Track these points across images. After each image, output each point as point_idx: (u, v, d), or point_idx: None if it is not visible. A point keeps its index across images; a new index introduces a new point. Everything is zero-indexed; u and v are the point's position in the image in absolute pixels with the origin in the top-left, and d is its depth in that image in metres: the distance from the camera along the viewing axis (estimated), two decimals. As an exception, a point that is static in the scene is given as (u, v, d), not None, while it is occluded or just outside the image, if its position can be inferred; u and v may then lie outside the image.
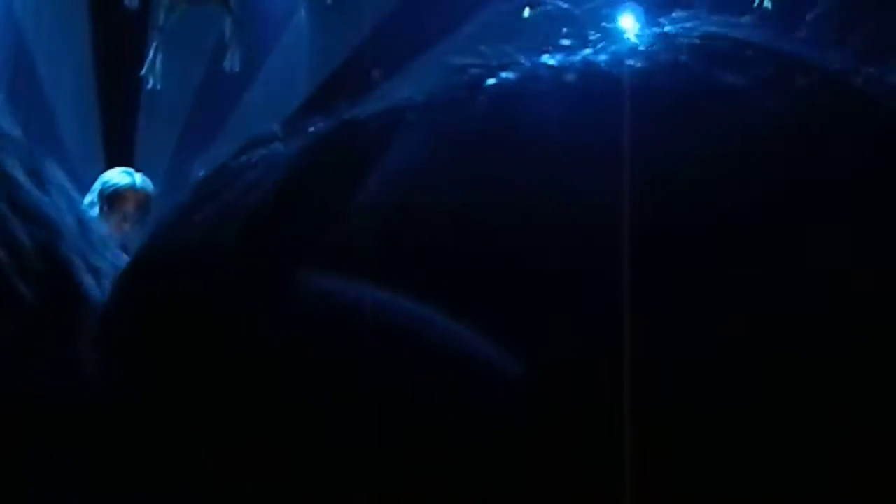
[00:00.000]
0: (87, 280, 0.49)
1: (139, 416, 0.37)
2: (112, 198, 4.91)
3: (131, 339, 0.39)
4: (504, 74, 0.38)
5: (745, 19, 0.40)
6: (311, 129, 0.41)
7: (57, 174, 0.59)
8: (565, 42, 0.38)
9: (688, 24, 0.40)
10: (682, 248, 0.33)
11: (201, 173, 0.42)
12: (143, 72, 6.37)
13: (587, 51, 0.38)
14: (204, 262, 0.37)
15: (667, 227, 0.33)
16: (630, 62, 0.37)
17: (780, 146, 0.35)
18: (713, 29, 0.39)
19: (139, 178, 5.02)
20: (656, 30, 0.39)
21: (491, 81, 0.37)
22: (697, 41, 0.39)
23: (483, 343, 0.32)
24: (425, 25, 6.65)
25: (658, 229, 0.34)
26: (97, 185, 4.96)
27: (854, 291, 0.33)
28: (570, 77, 0.37)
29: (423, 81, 0.40)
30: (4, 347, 0.45)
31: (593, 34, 0.39)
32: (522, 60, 0.38)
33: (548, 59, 0.38)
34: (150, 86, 6.47)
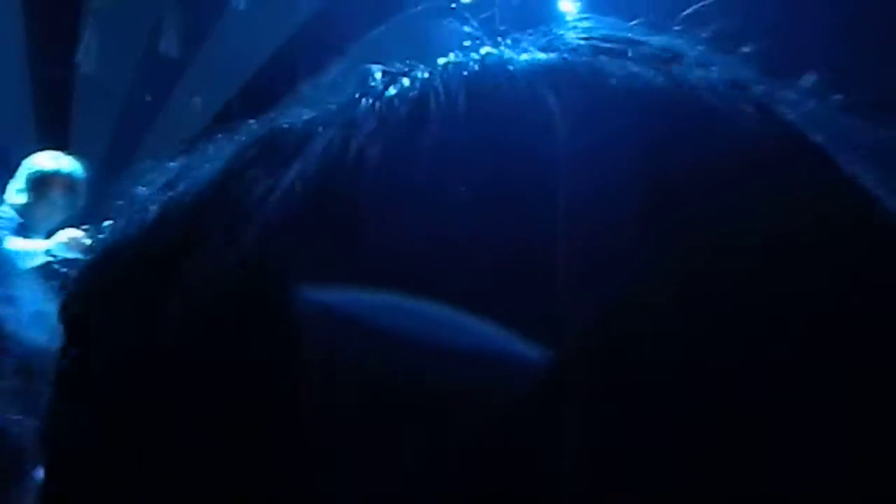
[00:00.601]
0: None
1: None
2: (38, 184, 4.77)
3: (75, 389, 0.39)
4: (404, 82, 0.38)
5: (638, 21, 0.41)
6: (220, 144, 0.41)
7: None
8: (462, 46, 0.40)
9: (580, 25, 0.41)
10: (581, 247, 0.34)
11: (119, 205, 0.42)
12: (77, 56, 6.26)
13: (473, 53, 0.39)
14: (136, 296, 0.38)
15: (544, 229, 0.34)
16: (513, 64, 0.38)
17: (670, 142, 0.36)
18: (603, 30, 0.40)
19: (67, 163, 4.86)
20: (542, 30, 0.40)
21: (391, 91, 0.38)
22: (585, 42, 0.39)
23: (497, 332, 0.34)
24: (363, 13, 6.62)
25: (542, 230, 0.34)
26: (23, 171, 4.82)
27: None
28: (460, 82, 0.38)
29: (333, 91, 0.41)
30: None
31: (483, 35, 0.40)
32: (421, 68, 0.39)
33: (440, 64, 0.39)
34: (84, 69, 6.37)
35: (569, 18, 0.43)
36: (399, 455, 0.34)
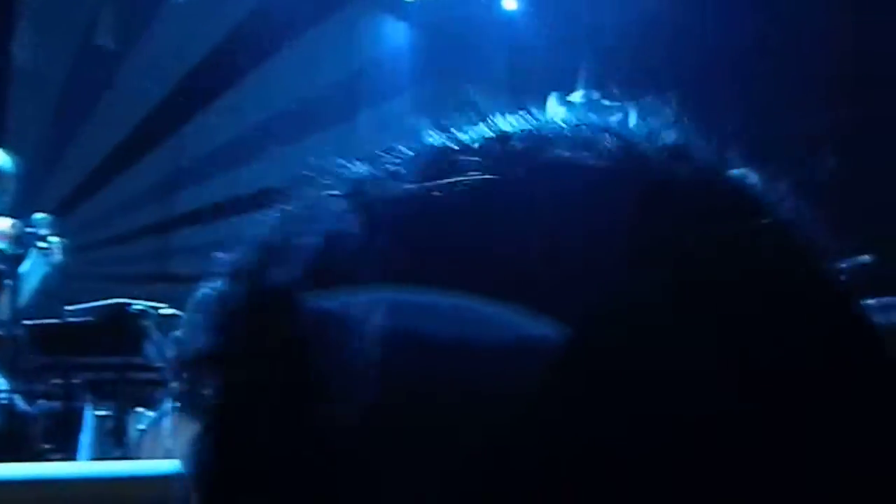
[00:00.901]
0: None
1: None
2: None
3: None
4: (419, 156, 0.41)
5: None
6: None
7: None
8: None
9: (560, 116, 0.42)
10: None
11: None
12: (12, 48, 6.16)
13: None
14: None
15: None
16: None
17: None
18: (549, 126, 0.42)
19: None
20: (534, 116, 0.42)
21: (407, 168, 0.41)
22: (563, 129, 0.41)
23: (512, 317, 0.35)
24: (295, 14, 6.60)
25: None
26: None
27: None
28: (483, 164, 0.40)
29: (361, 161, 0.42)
30: None
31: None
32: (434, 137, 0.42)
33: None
34: (18, 62, 6.26)
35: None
36: (415, 457, 0.35)
